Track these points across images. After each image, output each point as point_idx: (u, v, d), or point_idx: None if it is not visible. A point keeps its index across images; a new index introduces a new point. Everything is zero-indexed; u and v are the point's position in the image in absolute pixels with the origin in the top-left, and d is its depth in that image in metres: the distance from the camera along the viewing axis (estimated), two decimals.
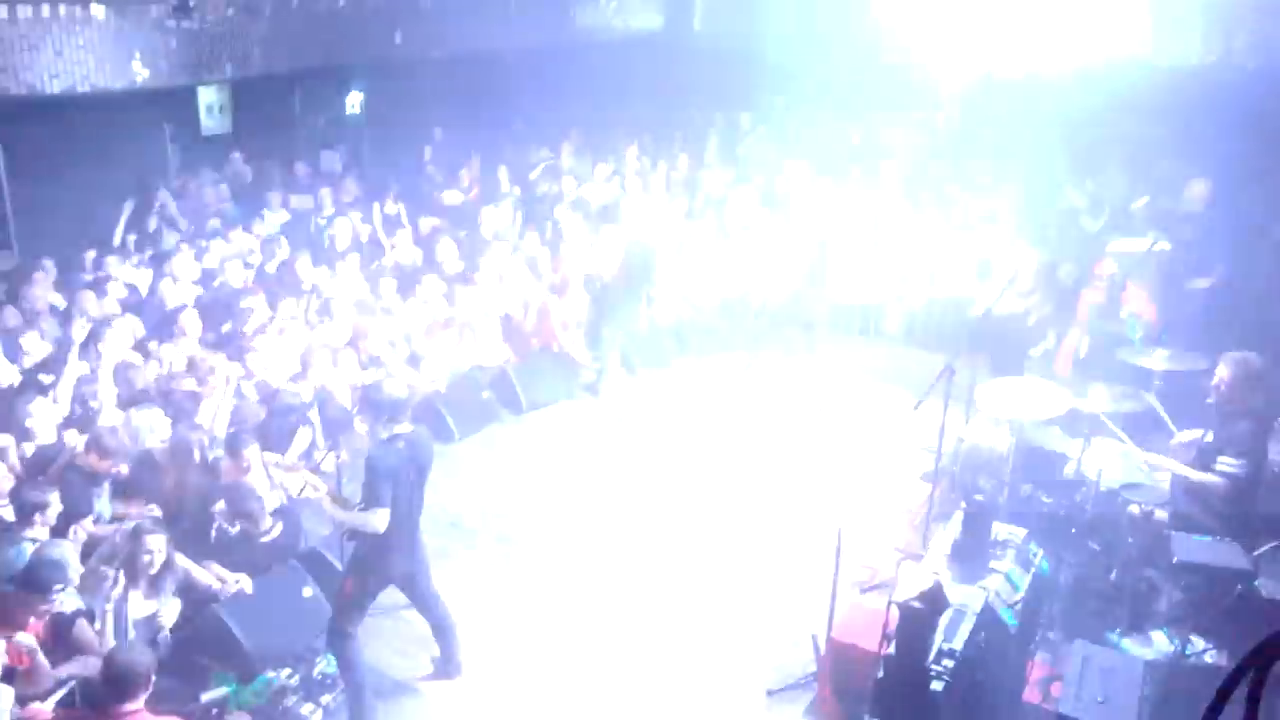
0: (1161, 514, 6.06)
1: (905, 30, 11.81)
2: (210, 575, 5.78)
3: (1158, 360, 6.66)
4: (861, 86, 12.58)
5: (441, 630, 5.78)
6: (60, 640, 4.85)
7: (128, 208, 9.20)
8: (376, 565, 5.36)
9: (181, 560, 5.65)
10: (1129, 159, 11.27)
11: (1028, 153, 11.33)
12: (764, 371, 9.96)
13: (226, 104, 11.73)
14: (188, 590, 5.66)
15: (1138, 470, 6.31)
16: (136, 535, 5.39)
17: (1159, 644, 5.70)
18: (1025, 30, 11.07)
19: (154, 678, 4.12)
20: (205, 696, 5.31)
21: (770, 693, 5.74)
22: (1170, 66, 11.04)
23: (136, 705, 4.04)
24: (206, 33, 9.13)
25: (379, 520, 5.13)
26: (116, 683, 4.02)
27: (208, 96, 11.52)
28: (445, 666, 5.82)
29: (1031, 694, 5.38)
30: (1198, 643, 5.50)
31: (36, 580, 4.78)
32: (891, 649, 4.65)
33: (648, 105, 14.44)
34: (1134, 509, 6.11)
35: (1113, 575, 6.09)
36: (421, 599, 5.69)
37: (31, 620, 4.78)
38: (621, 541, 7.22)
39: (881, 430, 8.77)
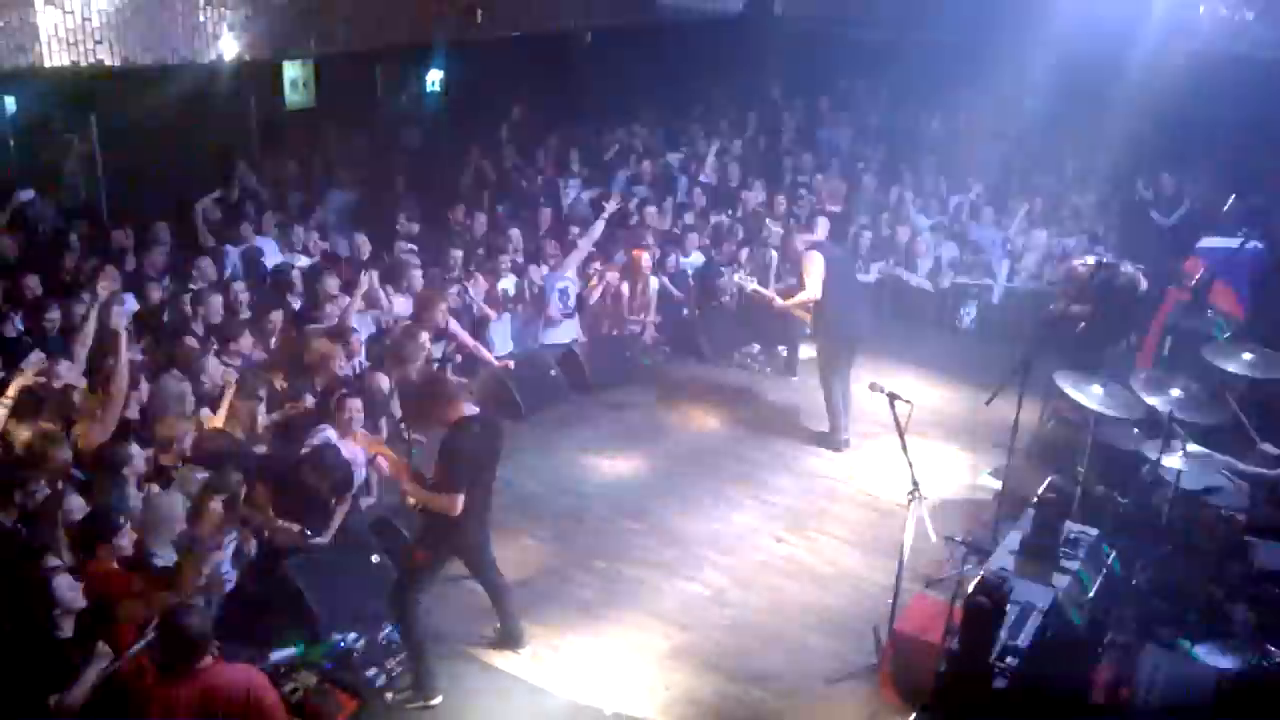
0: (1242, 519, 5.88)
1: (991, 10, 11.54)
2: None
3: (1242, 362, 6.44)
4: (945, 71, 12.33)
5: (501, 602, 5.87)
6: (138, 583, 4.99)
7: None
8: (447, 539, 5.45)
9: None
10: (1220, 152, 10.94)
11: (1113, 143, 11.04)
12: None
13: (309, 79, 11.93)
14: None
15: (1218, 474, 6.13)
16: (221, 479, 5.56)
17: (1234, 653, 5.53)
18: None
19: (211, 634, 4.21)
20: (273, 656, 5.47)
21: (830, 682, 5.71)
22: (1270, 58, 10.62)
23: (205, 662, 4.15)
24: (292, 8, 9.27)
25: (452, 504, 5.21)
26: (183, 646, 4.13)
27: (292, 71, 11.73)
28: (507, 638, 5.90)
29: (1098, 697, 5.27)
30: (1275, 653, 5.33)
31: (99, 526, 4.94)
32: (954, 644, 4.60)
33: (726, 88, 14.34)
34: (1213, 513, 5.93)
35: (1188, 580, 5.93)
36: (481, 571, 5.77)
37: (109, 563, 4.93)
38: (685, 524, 7.23)
39: (953, 423, 8.66)
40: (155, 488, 5.72)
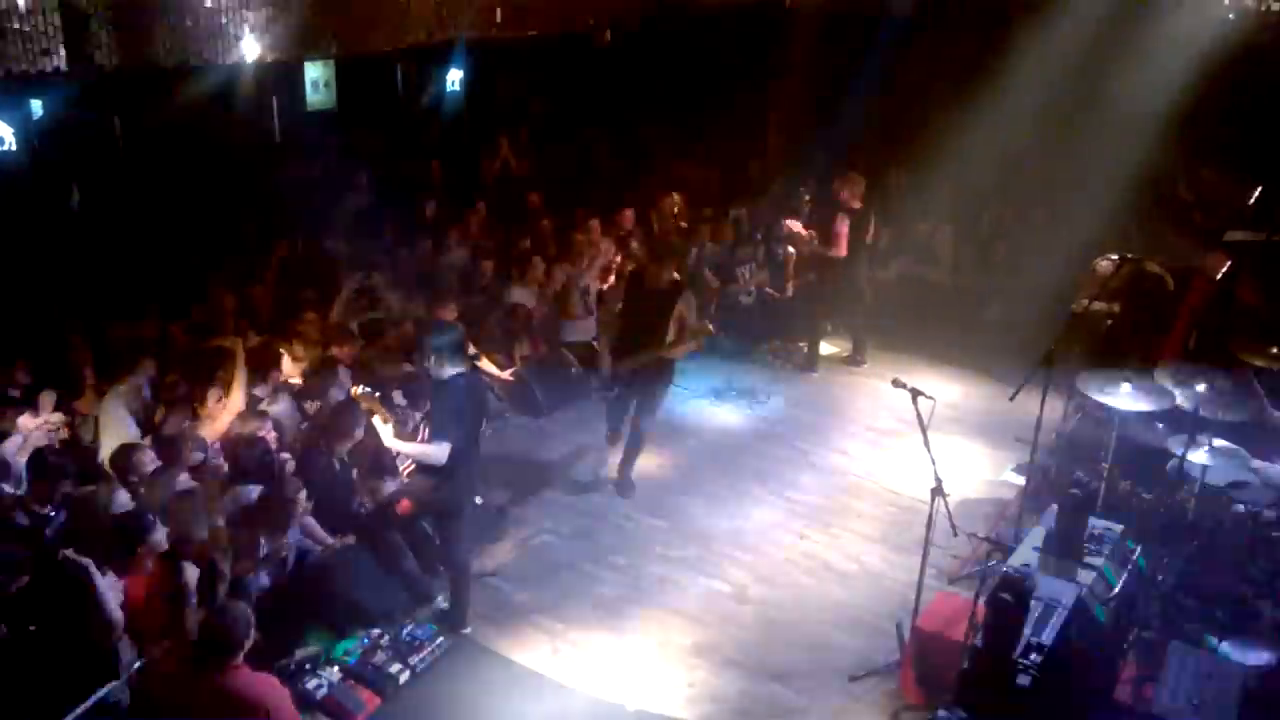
0: (1269, 515, 5.83)
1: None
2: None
3: (1268, 356, 6.38)
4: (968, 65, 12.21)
5: (458, 580, 5.95)
6: (173, 585, 5.04)
7: None
8: (434, 492, 5.67)
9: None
10: (1249, 144, 10.79)
11: (1139, 138, 10.92)
12: (863, 356, 9.88)
13: (331, 80, 11.97)
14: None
15: (1245, 469, 6.08)
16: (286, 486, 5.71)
17: (1260, 649, 5.49)
18: None
19: (252, 636, 4.25)
20: (299, 653, 5.51)
21: (852, 678, 5.70)
22: None
23: (236, 661, 4.18)
24: (313, 9, 9.31)
25: (440, 452, 5.40)
26: (218, 641, 4.16)
27: (313, 72, 11.78)
28: (453, 617, 5.95)
29: (1123, 694, 5.24)
30: None
31: (124, 532, 4.98)
32: (978, 641, 4.58)
33: (747, 83, 14.29)
34: (1239, 508, 5.89)
35: (1214, 576, 5.88)
36: (450, 541, 5.88)
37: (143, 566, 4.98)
38: (707, 521, 7.23)
39: (976, 420, 8.61)
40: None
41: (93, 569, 4.61)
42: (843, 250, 9.30)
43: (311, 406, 6.88)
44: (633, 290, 7.30)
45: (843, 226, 9.29)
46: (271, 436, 6.32)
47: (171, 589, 4.91)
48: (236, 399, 6.38)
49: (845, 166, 11.29)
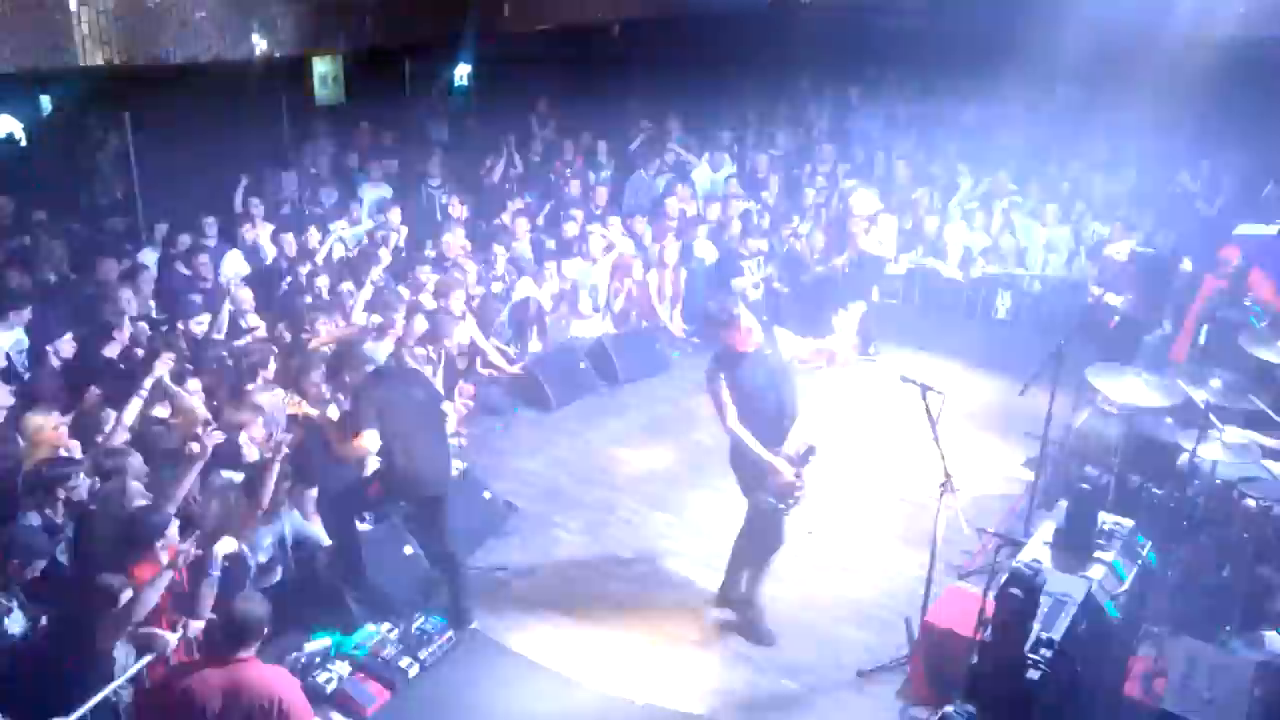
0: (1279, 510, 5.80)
1: None
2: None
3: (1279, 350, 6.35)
4: (979, 60, 12.17)
5: (450, 573, 5.97)
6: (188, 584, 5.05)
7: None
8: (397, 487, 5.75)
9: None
10: (1255, 137, 10.76)
11: (1145, 131, 10.88)
12: (873, 352, 9.86)
13: (339, 75, 11.98)
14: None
15: (1255, 464, 6.05)
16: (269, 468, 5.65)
17: (1272, 644, 5.46)
18: None
19: (267, 629, 4.26)
20: (308, 646, 5.53)
21: (861, 673, 5.69)
22: None
23: (249, 654, 4.19)
24: (321, 3, 9.32)
25: (369, 442, 5.49)
26: (233, 632, 4.17)
27: (321, 67, 11.79)
28: (455, 615, 5.93)
29: (1133, 689, 5.22)
30: None
31: (138, 533, 4.95)
32: (988, 635, 4.56)
33: (755, 79, 14.28)
34: (1250, 503, 5.86)
35: (1224, 571, 5.86)
36: (424, 533, 5.94)
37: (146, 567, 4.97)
38: (715, 515, 7.21)
39: (986, 414, 8.59)
40: None
41: (118, 585, 4.60)
42: (854, 250, 9.28)
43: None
44: (752, 368, 5.84)
45: (854, 226, 9.28)
46: (261, 429, 6.29)
47: (198, 584, 4.91)
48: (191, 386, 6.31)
49: (854, 164, 11.30)
